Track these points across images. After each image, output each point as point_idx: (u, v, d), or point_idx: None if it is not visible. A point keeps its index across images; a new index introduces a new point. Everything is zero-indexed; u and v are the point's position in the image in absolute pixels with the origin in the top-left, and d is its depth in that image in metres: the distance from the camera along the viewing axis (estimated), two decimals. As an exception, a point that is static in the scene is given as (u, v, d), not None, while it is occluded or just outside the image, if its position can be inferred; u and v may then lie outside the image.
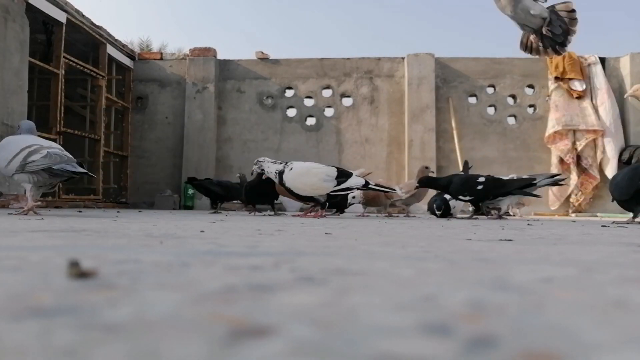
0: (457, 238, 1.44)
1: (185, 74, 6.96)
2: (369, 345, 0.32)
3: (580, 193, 6.39)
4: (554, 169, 6.43)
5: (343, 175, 3.60)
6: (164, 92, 7.07)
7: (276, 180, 3.68)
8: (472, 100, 6.83)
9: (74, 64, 5.75)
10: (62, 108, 5.53)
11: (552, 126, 6.41)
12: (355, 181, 3.60)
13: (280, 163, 3.71)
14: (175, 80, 7.04)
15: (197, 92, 6.87)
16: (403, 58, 6.86)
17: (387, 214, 4.66)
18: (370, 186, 3.65)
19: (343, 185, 3.56)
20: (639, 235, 1.73)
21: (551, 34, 3.97)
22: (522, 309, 0.44)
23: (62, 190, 5.55)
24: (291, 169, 3.59)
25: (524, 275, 0.65)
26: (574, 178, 6.36)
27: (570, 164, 6.35)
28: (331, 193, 3.60)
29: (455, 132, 6.62)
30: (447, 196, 4.04)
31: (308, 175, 3.54)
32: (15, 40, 4.73)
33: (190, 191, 6.60)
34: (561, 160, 6.41)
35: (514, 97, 6.82)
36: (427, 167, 4.82)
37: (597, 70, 6.59)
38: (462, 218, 4.04)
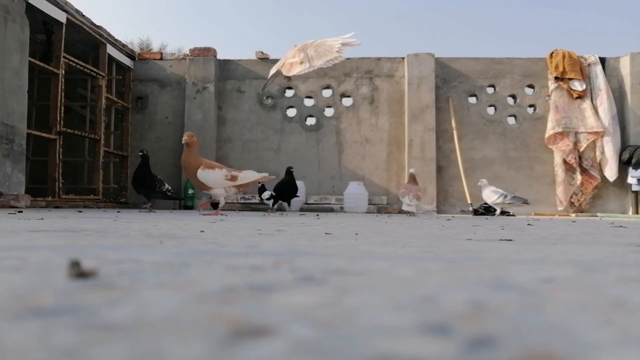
0: (457, 238, 1.44)
1: (185, 74, 6.96)
2: (369, 346, 0.32)
3: (581, 193, 6.39)
4: (558, 169, 6.43)
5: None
6: (164, 92, 7.07)
7: None
8: (472, 100, 6.83)
9: (74, 64, 5.75)
10: (62, 108, 5.52)
11: (551, 127, 6.42)
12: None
13: None
14: (175, 80, 7.04)
15: (197, 92, 6.87)
16: (403, 58, 6.86)
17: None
18: None
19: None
20: (639, 235, 1.73)
21: None
22: (522, 309, 0.44)
23: (62, 190, 5.54)
24: None
25: (524, 275, 0.65)
26: (577, 178, 6.34)
27: (573, 164, 6.35)
28: None
29: (455, 132, 6.62)
30: None
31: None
32: (15, 40, 4.73)
33: (191, 191, 6.59)
34: (564, 160, 6.40)
35: (514, 97, 6.82)
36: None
37: (597, 70, 6.59)
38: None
